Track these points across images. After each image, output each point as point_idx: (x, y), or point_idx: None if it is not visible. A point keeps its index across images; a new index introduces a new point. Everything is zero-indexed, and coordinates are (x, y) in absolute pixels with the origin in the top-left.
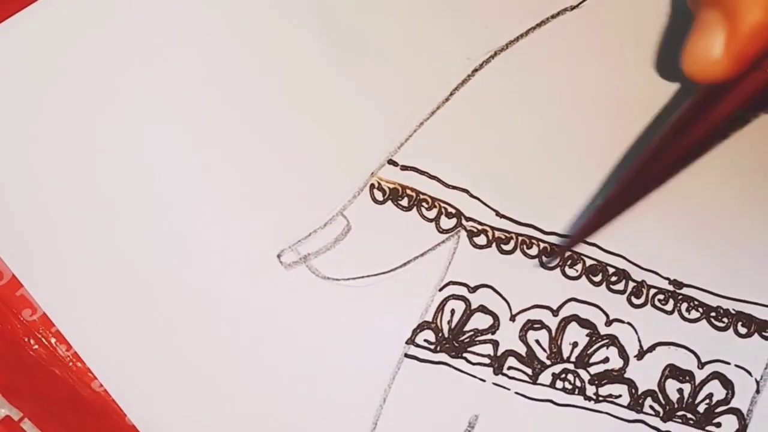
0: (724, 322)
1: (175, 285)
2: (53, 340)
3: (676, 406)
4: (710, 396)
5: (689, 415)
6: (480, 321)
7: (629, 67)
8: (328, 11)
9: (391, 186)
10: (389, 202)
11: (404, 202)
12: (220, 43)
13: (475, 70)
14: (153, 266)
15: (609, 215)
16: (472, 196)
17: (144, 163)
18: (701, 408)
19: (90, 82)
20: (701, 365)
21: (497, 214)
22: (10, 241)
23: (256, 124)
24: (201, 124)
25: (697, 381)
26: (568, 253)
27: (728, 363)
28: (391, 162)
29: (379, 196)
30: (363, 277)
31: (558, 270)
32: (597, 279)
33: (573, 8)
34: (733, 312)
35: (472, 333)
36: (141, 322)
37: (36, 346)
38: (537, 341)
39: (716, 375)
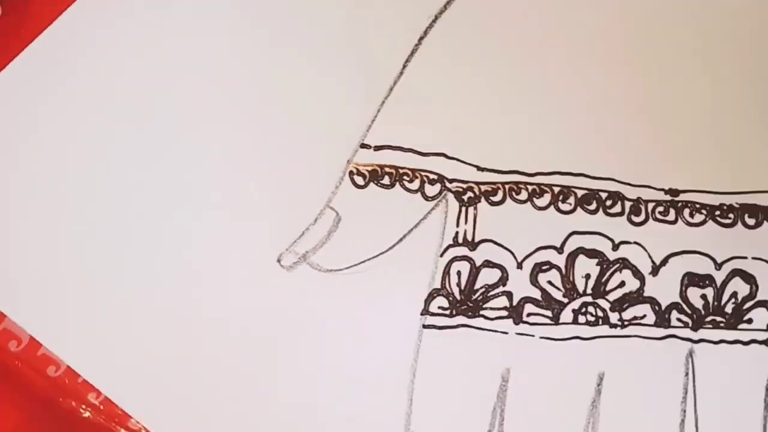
0: (730, 218)
1: (185, 312)
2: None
3: (703, 312)
4: (735, 294)
5: (718, 319)
6: (488, 276)
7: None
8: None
9: (369, 168)
10: (371, 184)
11: (385, 180)
12: (191, 53)
13: (421, 38)
14: (163, 297)
15: None
16: (449, 157)
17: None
18: (729, 309)
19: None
20: (718, 266)
21: (478, 168)
22: (23, 305)
23: (228, 136)
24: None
25: (718, 283)
26: (558, 189)
27: (745, 257)
28: (364, 146)
29: (360, 181)
30: (364, 261)
31: (552, 207)
32: (592, 207)
33: None
34: (737, 206)
35: (483, 289)
36: (161, 352)
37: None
38: (549, 282)
39: (735, 272)
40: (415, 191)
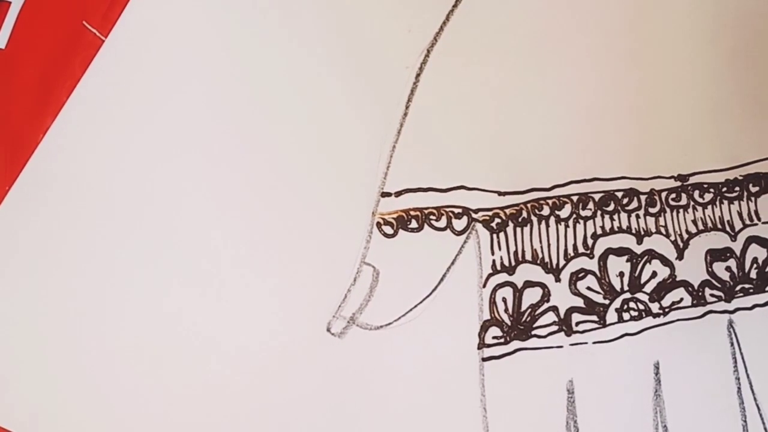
0: (736, 191)
1: (248, 403)
2: None
3: (731, 283)
4: (755, 260)
5: (747, 286)
6: (532, 296)
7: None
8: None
9: (395, 216)
10: (400, 230)
11: (413, 224)
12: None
13: (418, 75)
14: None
15: None
16: (469, 189)
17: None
18: (753, 274)
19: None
20: (734, 237)
21: (499, 193)
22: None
23: (244, 210)
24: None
25: (738, 252)
26: (577, 198)
27: (755, 224)
28: (385, 194)
29: (388, 230)
30: (411, 310)
31: (573, 216)
32: (610, 208)
33: None
34: (740, 178)
35: (530, 309)
36: None
37: None
38: (588, 288)
39: (751, 239)
40: (444, 228)
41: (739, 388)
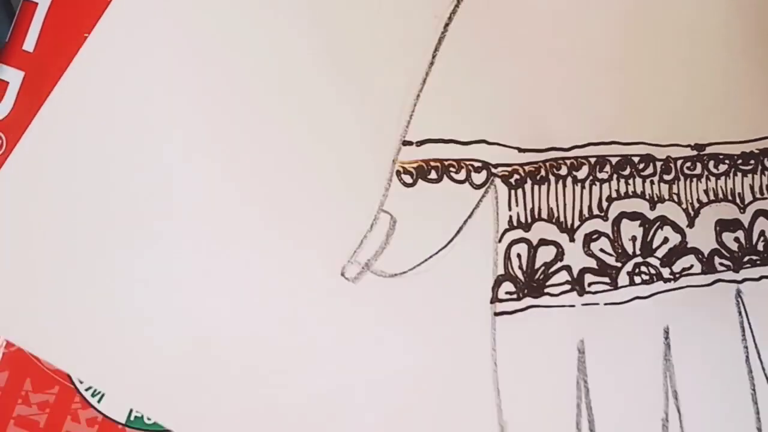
0: (751, 164)
1: (257, 343)
2: None
3: (739, 254)
4: (762, 233)
5: (754, 257)
6: (546, 254)
7: None
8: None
9: (415, 165)
10: (420, 180)
11: (432, 175)
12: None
13: (446, 25)
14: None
15: None
16: (490, 143)
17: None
18: (760, 246)
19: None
20: (743, 209)
21: (519, 150)
22: None
23: (266, 158)
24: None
25: (746, 225)
26: (594, 160)
27: (765, 198)
28: (406, 143)
29: (407, 179)
30: (426, 260)
31: (590, 178)
32: (626, 172)
33: None
34: (756, 151)
35: (543, 267)
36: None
37: None
38: (602, 249)
39: (759, 212)
40: (463, 181)
41: (747, 357)
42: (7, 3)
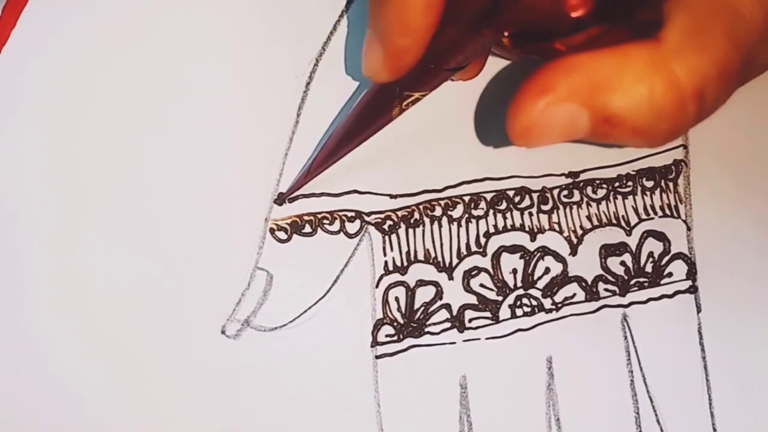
0: (629, 186)
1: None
2: None
3: (626, 278)
4: (651, 254)
5: (642, 280)
6: (425, 294)
7: None
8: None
9: (289, 221)
10: (294, 235)
11: (307, 228)
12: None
13: (308, 84)
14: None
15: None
16: (362, 192)
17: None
18: (648, 268)
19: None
20: (629, 232)
21: (391, 196)
22: None
23: (144, 224)
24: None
25: (633, 247)
26: (468, 198)
27: (652, 218)
28: (278, 200)
29: (282, 235)
30: (305, 312)
31: (466, 216)
32: (503, 207)
33: None
34: (633, 173)
35: (423, 307)
36: None
37: None
38: (482, 285)
39: (647, 233)
40: (337, 232)
41: (632, 381)
42: None
